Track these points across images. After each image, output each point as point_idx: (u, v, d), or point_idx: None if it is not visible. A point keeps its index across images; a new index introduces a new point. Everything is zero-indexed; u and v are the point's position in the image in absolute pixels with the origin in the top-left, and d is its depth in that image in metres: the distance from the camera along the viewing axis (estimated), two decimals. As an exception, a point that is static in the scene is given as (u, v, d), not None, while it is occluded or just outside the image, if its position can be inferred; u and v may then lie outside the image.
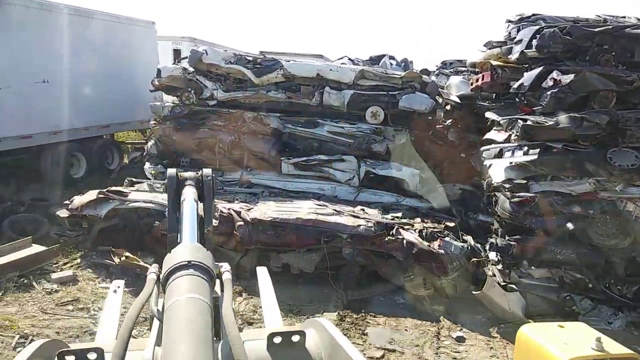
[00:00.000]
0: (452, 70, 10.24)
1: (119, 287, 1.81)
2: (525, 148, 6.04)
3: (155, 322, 1.25)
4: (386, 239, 6.34)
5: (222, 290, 1.28)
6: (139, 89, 11.29)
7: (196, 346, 0.93)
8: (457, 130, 9.30)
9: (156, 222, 6.74)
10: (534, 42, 6.30)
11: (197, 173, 1.73)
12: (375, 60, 11.05)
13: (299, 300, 6.03)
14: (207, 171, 1.73)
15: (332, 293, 6.23)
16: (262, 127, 8.70)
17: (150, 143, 8.94)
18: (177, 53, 14.59)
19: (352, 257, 6.52)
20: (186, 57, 9.00)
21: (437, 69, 10.92)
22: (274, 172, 8.59)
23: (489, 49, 8.50)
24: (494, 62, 7.46)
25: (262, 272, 1.89)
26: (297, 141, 8.69)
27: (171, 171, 1.70)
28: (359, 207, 7.16)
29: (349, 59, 10.86)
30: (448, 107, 9.30)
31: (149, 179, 8.65)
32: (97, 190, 6.95)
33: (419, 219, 7.03)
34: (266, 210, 6.85)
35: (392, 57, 10.91)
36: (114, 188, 7.15)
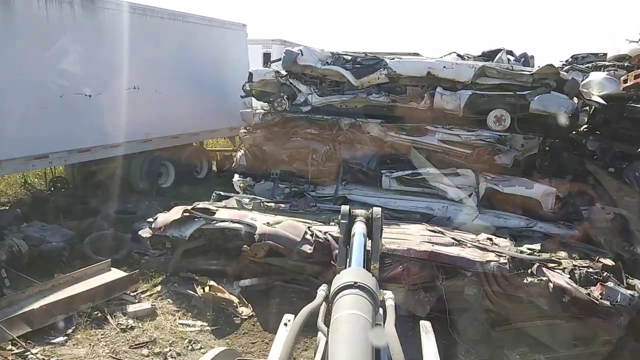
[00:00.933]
0: (588, 65, 8.45)
1: (289, 320, 1.79)
2: None
3: (321, 345, 1.41)
4: (527, 280, 4.95)
5: (384, 316, 1.42)
6: (229, 94, 10.71)
7: (356, 357, 1.02)
8: (599, 139, 7.57)
9: (244, 245, 5.89)
10: None
11: (367, 211, 1.96)
12: (489, 55, 9.47)
13: (411, 353, 4.83)
14: (377, 210, 1.93)
15: (453, 345, 4.96)
16: (361, 135, 7.61)
17: (239, 153, 8.20)
18: (267, 57, 14.00)
19: (478, 300, 5.22)
20: (278, 60, 8.16)
21: (566, 65, 9.14)
22: (373, 188, 7.47)
23: (650, 36, 6.76)
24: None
25: (426, 327, 1.87)
26: (402, 152, 7.49)
27: (344, 208, 1.96)
28: (484, 236, 5.79)
29: (457, 54, 9.39)
30: (586, 109, 7.60)
31: (238, 192, 7.93)
32: (182, 208, 6.24)
33: (563, 253, 5.53)
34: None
35: (510, 52, 9.29)
36: (200, 205, 6.41)
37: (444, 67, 7.24)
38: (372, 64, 7.58)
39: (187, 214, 6.12)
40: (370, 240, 1.83)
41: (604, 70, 7.68)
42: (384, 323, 1.32)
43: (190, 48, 10.78)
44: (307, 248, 5.58)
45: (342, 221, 1.92)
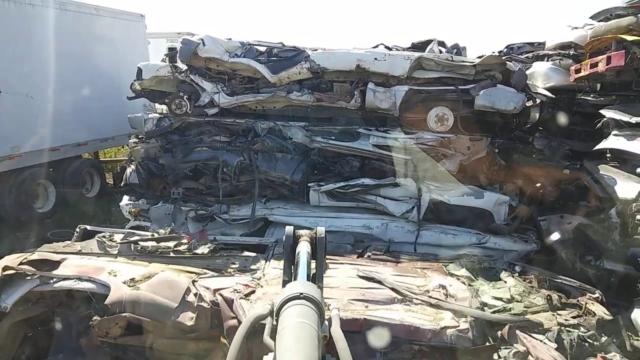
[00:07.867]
0: (528, 55, 7.70)
1: None
2: None
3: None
4: (498, 356, 3.62)
5: (330, 325, 1.41)
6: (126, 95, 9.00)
7: None
8: (547, 136, 6.83)
9: (95, 316, 3.78)
10: None
11: (312, 231, 1.98)
12: (419, 47, 8.52)
13: None
14: (320, 229, 1.94)
15: None
16: (282, 142, 6.32)
17: (129, 169, 6.57)
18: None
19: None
20: (174, 50, 6.65)
21: (503, 56, 8.35)
22: (299, 205, 6.21)
23: (600, 21, 6.05)
24: (629, 37, 5.01)
25: None
26: (331, 160, 6.29)
27: (289, 229, 1.96)
28: (436, 282, 4.32)
29: (386, 47, 8.29)
30: (529, 103, 6.82)
31: (129, 219, 6.33)
32: (4, 262, 4.12)
33: (540, 300, 4.14)
34: (277, 293, 3.66)
35: (441, 43, 8.37)
36: (35, 255, 4.28)
37: (376, 59, 6.11)
38: (291, 57, 6.30)
39: (10, 270, 3.97)
40: (314, 260, 1.84)
41: (548, 60, 6.93)
42: (329, 332, 1.30)
43: (73, 42, 8.95)
44: (188, 318, 3.72)
45: (286, 242, 1.91)
